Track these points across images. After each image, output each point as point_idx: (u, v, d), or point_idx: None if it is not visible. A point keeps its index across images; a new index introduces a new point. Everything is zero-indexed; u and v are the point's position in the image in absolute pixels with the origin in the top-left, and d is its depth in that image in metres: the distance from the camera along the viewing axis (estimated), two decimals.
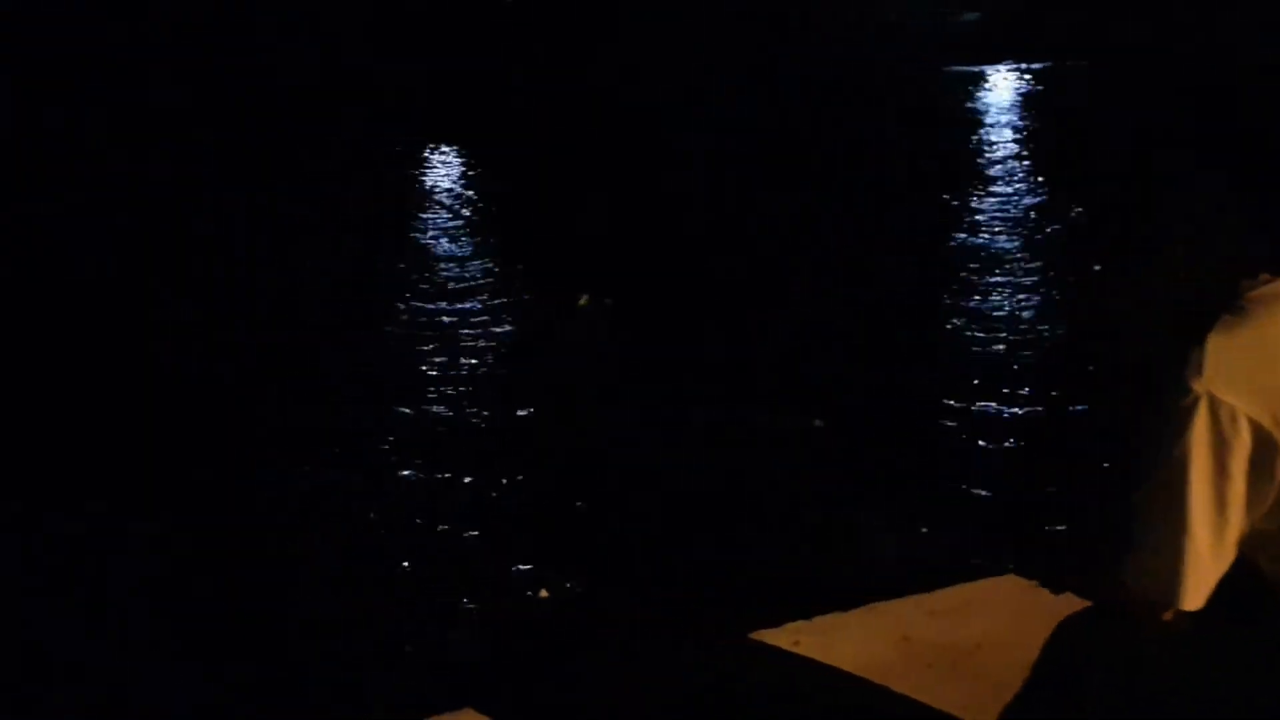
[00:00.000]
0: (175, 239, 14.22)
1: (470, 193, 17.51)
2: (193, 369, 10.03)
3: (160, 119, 19.24)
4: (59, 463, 8.34)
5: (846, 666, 3.61)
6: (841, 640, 3.75)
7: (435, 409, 9.41)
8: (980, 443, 8.18)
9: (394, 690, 5.85)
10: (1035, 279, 11.43)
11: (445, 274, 13.19)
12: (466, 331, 11.11)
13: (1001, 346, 9.86)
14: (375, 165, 18.30)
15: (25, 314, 11.62)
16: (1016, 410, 8.59)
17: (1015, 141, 17.97)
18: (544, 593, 6.42)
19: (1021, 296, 10.95)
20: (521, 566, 6.97)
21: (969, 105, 20.72)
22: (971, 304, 10.83)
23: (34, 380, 9.92)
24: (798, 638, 3.77)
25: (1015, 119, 19.61)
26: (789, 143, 17.78)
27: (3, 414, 9.21)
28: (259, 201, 15.75)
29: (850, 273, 11.97)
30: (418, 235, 14.88)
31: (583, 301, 8.84)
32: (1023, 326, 10.29)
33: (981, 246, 12.55)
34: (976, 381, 9.11)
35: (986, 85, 22.51)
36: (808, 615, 3.88)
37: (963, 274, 11.73)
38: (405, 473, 8.27)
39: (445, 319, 11.52)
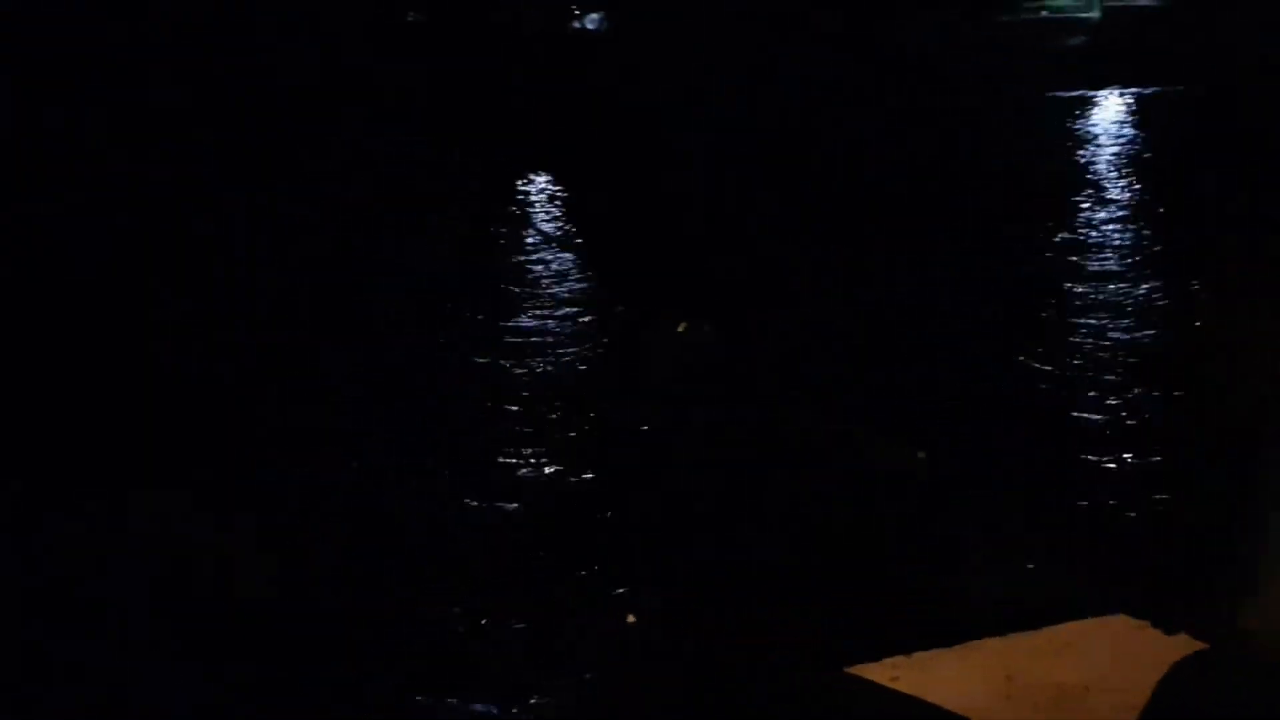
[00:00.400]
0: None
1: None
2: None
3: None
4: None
5: (946, 704, 3.51)
6: (941, 677, 3.66)
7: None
8: (1087, 471, 7.72)
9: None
10: (1133, 301, 11.05)
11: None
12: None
13: (1113, 369, 9.43)
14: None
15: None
16: (1128, 439, 8.13)
17: (1109, 162, 17.51)
18: (631, 617, 6.25)
19: (1118, 318, 10.55)
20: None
21: (1064, 128, 20.17)
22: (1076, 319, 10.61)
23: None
24: (896, 673, 3.69)
25: (1109, 140, 19.13)
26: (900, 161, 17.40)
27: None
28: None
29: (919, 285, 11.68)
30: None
31: (681, 328, 8.76)
32: (1125, 347, 9.85)
33: (1075, 266, 12.22)
34: (1090, 400, 8.77)
35: (1087, 109, 21.98)
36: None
37: (1068, 284, 11.51)
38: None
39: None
